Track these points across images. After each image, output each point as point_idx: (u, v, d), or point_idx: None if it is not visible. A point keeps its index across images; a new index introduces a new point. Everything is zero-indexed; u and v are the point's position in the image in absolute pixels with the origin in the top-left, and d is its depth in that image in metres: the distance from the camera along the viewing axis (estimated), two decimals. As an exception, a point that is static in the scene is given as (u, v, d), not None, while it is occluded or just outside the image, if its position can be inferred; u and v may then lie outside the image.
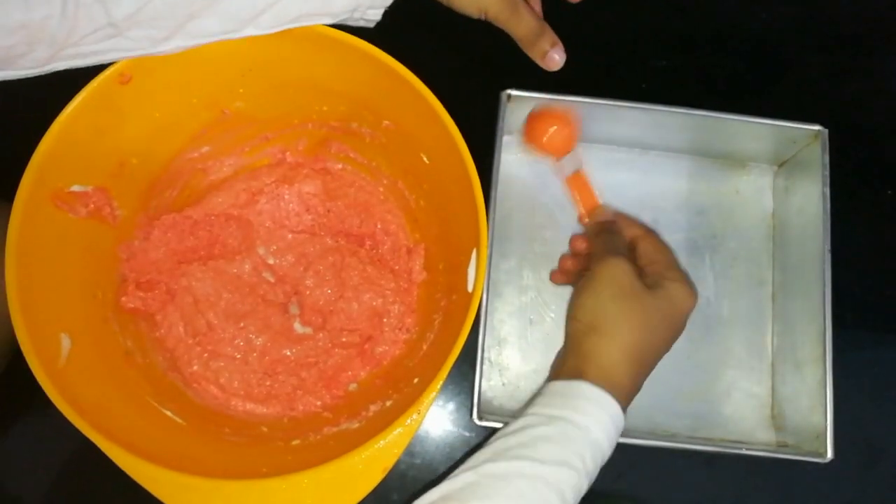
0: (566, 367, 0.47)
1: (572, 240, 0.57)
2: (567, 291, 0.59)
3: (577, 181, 0.57)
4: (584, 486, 0.41)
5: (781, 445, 0.55)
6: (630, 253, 0.52)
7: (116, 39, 0.41)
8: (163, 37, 0.42)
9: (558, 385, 0.45)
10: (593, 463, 0.42)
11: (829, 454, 0.50)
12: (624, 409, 0.44)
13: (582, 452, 0.41)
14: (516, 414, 0.45)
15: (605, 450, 0.43)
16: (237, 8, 0.42)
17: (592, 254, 0.51)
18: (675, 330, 0.48)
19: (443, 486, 0.40)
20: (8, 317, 0.41)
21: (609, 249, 0.50)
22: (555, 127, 0.55)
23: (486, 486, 0.39)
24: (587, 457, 0.41)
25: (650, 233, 0.53)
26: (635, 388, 0.46)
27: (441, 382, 0.42)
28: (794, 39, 0.65)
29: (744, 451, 0.51)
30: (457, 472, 0.41)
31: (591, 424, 0.42)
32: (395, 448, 0.42)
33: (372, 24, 0.46)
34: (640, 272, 0.50)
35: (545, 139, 0.55)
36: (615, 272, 0.48)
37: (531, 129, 0.56)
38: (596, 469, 0.43)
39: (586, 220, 0.56)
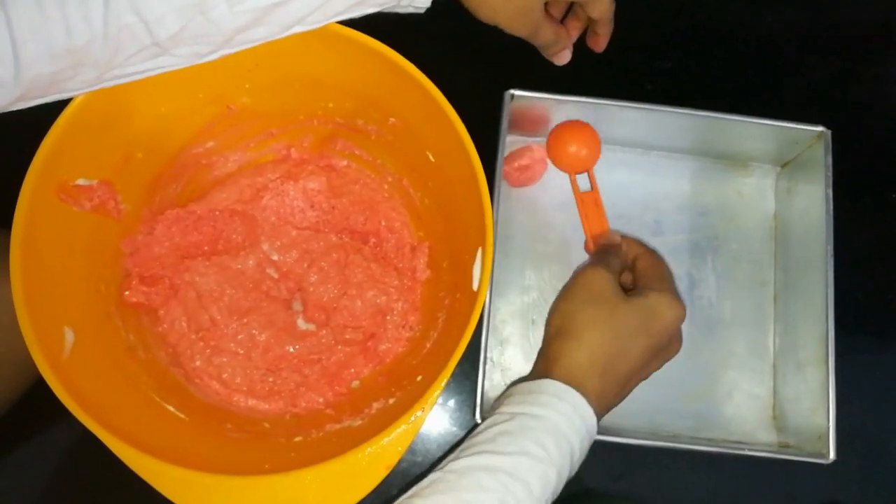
0: (534, 369, 0.48)
1: None
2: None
3: (589, 203, 0.58)
4: (551, 474, 0.41)
5: (783, 446, 0.55)
6: (631, 271, 0.53)
7: (162, 58, 0.41)
8: (208, 51, 0.42)
9: (522, 385, 0.45)
10: (558, 451, 0.41)
11: (832, 455, 0.50)
12: (596, 411, 0.44)
13: (542, 440, 0.41)
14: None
15: (571, 438, 0.42)
16: (287, 16, 0.41)
17: None
18: (652, 339, 0.47)
19: (413, 488, 0.41)
20: (15, 349, 0.41)
21: (595, 262, 0.51)
22: (574, 147, 0.57)
23: (448, 482, 0.40)
24: (549, 444, 0.41)
25: (650, 251, 0.54)
26: (606, 393, 0.45)
27: (446, 380, 0.42)
28: (800, 42, 0.66)
29: (746, 452, 0.52)
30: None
31: (550, 414, 0.42)
32: (398, 445, 0.42)
33: (422, 10, 0.46)
34: (633, 286, 0.51)
35: (562, 157, 0.58)
36: (591, 278, 0.49)
37: (553, 142, 0.59)
38: (564, 458, 0.42)
39: (592, 247, 0.57)
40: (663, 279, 0.51)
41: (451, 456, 0.42)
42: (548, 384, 0.44)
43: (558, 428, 0.42)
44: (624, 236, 0.56)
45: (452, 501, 0.39)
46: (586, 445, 0.44)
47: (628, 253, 0.54)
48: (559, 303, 0.50)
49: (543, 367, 0.47)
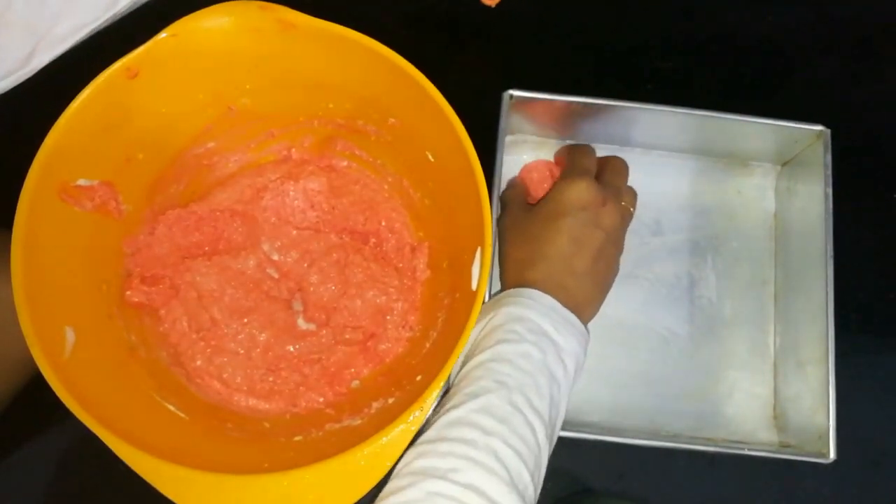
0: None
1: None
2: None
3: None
4: (530, 350, 0.44)
5: (784, 446, 0.55)
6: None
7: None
8: None
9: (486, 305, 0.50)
10: (530, 332, 0.45)
11: (832, 455, 0.50)
12: (556, 295, 0.48)
13: (512, 328, 0.45)
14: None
15: (539, 321, 0.46)
16: None
17: None
18: (563, 218, 0.50)
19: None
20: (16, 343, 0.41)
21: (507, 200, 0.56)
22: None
23: (451, 395, 0.44)
24: (519, 329, 0.45)
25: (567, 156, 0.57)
26: (553, 277, 0.49)
27: (444, 380, 0.42)
28: (801, 42, 0.66)
29: (746, 452, 0.51)
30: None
31: (511, 310, 0.46)
32: (397, 444, 0.42)
33: None
34: None
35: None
36: (503, 224, 0.54)
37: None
38: (539, 337, 0.45)
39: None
40: (565, 171, 0.54)
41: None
42: (502, 294, 0.49)
43: (523, 315, 0.46)
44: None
45: (457, 399, 0.43)
46: (560, 326, 0.46)
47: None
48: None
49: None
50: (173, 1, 0.48)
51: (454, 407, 0.42)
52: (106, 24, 0.43)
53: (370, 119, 0.53)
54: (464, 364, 0.46)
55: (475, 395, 0.42)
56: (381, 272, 0.55)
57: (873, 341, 0.60)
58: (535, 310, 0.46)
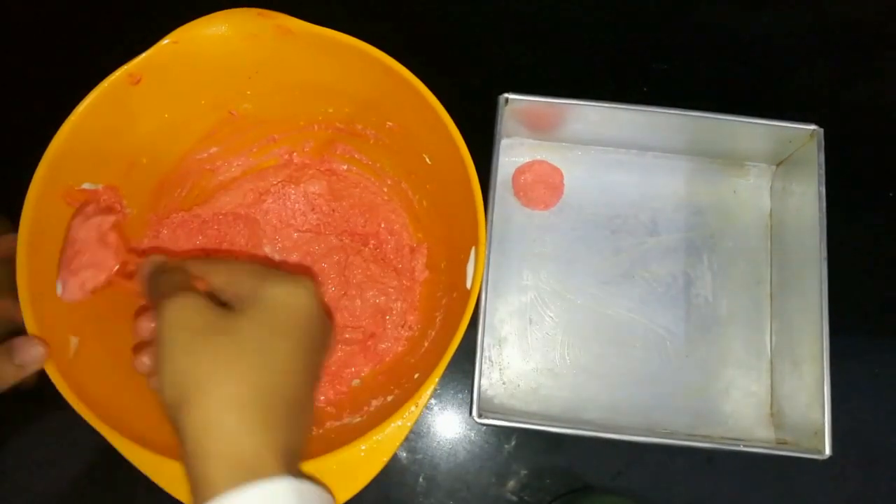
0: (185, 472, 0.33)
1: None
2: (567, 293, 0.60)
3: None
4: None
5: (780, 443, 0.55)
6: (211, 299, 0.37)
7: None
8: None
9: None
10: None
11: (828, 451, 0.50)
12: (291, 469, 0.33)
13: None
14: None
15: None
16: None
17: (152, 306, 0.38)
18: (299, 335, 0.36)
19: None
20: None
21: (164, 291, 0.37)
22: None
23: None
24: None
25: (215, 262, 0.40)
26: (281, 436, 0.33)
27: (439, 377, 0.43)
28: (795, 43, 0.66)
29: (742, 449, 0.52)
30: None
31: None
32: (394, 440, 0.43)
33: None
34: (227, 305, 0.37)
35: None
36: (180, 315, 0.35)
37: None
38: None
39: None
40: (260, 272, 0.38)
41: None
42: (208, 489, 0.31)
43: None
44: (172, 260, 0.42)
45: None
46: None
47: (191, 279, 0.39)
48: (161, 368, 0.34)
49: (191, 466, 0.32)
50: (174, 8, 0.49)
51: None
52: None
53: (369, 123, 0.54)
54: None
55: None
56: (380, 273, 0.56)
57: (868, 339, 0.60)
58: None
